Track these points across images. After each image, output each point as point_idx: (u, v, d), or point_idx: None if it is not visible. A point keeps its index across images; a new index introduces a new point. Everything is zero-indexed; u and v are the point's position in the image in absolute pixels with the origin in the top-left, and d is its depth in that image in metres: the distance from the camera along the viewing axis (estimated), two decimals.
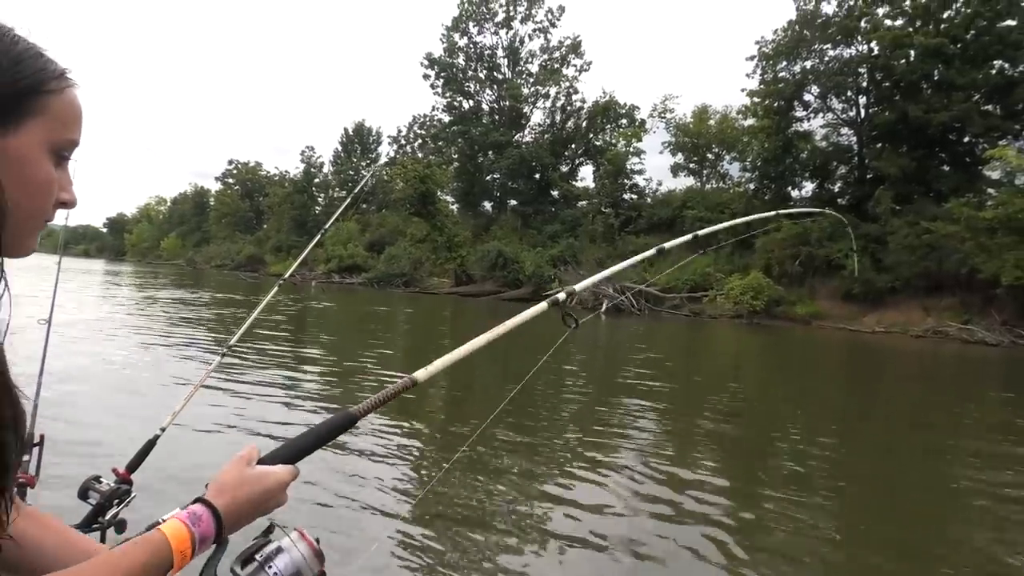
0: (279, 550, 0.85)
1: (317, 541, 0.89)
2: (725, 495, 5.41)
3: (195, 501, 0.81)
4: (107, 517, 1.73)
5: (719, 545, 4.30)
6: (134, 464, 1.90)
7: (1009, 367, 19.28)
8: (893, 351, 22.20)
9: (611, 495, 5.18)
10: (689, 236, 2.04)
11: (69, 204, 0.74)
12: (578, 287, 1.46)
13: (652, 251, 1.91)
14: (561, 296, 1.39)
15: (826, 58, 37.18)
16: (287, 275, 2.82)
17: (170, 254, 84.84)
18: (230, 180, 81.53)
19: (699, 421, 8.36)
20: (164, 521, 0.78)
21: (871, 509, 5.52)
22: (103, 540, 1.92)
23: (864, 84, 36.64)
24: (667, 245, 1.92)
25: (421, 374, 1.04)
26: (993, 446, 7.99)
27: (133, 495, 1.65)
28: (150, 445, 2.02)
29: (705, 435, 7.68)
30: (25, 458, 1.72)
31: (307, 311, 22.59)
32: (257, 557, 0.85)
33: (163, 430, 2.08)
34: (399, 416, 7.15)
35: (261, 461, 0.88)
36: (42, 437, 1.86)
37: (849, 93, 37.30)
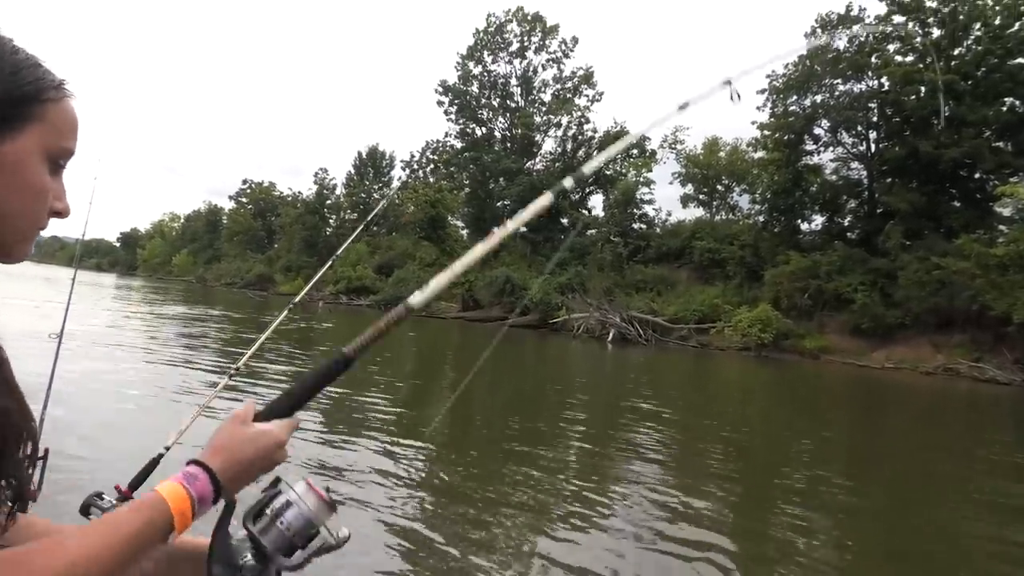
0: (288, 504, 0.85)
1: (327, 491, 0.88)
2: (727, 535, 5.32)
3: (190, 463, 0.79)
4: None
5: None
6: (136, 482, 1.89)
7: (1021, 408, 19.00)
8: (903, 388, 21.95)
9: (610, 530, 5.11)
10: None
11: (63, 214, 0.74)
12: (586, 169, 1.29)
13: (676, 108, 1.37)
14: (568, 183, 1.23)
15: (836, 92, 37.42)
16: (298, 298, 2.82)
17: (181, 270, 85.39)
18: (243, 199, 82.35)
19: (702, 460, 8.27)
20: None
21: (875, 556, 5.41)
22: None
23: (874, 119, 36.80)
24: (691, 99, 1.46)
25: (416, 299, 0.96)
26: (1006, 496, 7.76)
27: None
28: (153, 464, 2.01)
29: (708, 474, 7.59)
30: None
31: (313, 331, 22.62)
32: (267, 512, 0.84)
33: (167, 449, 2.08)
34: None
35: (258, 416, 0.86)
36: (46, 451, 1.86)
37: (859, 128, 37.46)
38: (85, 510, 1.69)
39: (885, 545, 5.50)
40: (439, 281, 0.97)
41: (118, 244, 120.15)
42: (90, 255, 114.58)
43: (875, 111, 36.51)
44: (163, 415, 7.23)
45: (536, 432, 8.66)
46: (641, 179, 48.11)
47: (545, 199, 1.22)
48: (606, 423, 10.33)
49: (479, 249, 1.05)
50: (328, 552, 0.86)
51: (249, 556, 0.83)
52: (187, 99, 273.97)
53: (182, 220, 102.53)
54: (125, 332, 16.43)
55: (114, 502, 1.65)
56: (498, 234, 1.09)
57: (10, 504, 0.72)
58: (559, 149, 55.74)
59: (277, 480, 0.87)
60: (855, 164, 38.66)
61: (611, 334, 33.42)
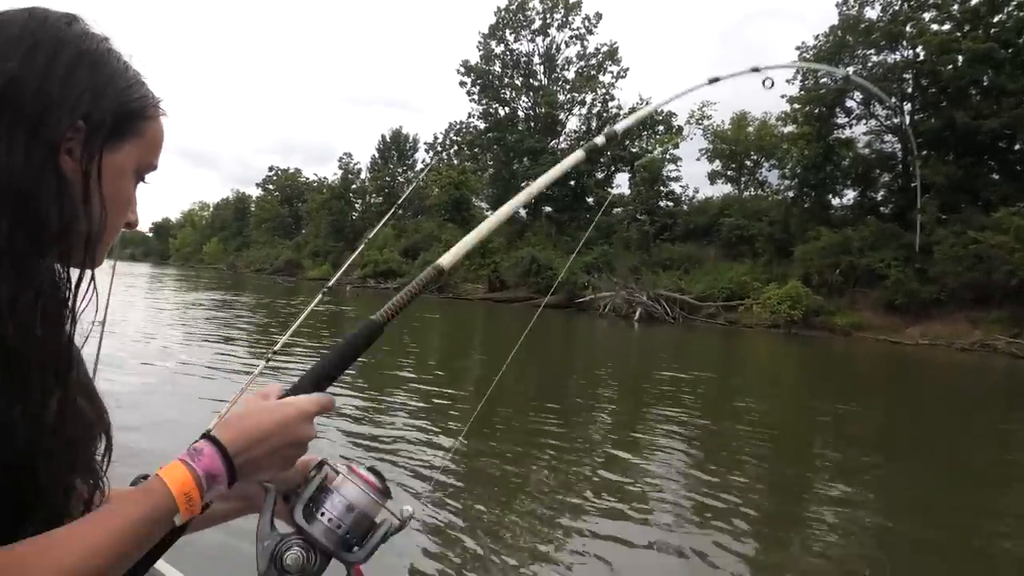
0: (327, 490, 0.78)
1: (374, 472, 0.80)
2: (756, 527, 5.31)
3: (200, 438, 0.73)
4: None
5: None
6: None
7: None
8: (939, 365, 21.54)
9: (638, 518, 5.13)
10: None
11: (133, 224, 0.78)
12: (619, 127, 1.28)
13: (706, 81, 1.42)
14: (600, 140, 1.23)
15: (869, 64, 36.38)
16: (332, 282, 2.87)
17: (212, 258, 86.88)
18: (270, 186, 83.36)
19: (732, 439, 8.23)
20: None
21: (903, 554, 5.36)
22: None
23: (909, 90, 35.75)
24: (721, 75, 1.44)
25: (446, 260, 0.92)
26: None
27: None
28: None
29: (738, 453, 7.56)
30: None
31: (342, 315, 22.90)
32: (307, 500, 0.78)
33: (209, 431, 2.14)
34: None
35: (285, 396, 0.79)
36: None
37: (894, 99, 36.45)
38: None
39: (921, 525, 5.44)
40: (467, 241, 0.94)
41: (151, 234, 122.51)
42: (124, 246, 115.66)
43: (910, 82, 35.46)
44: (204, 400, 7.41)
45: (564, 411, 8.70)
46: (667, 156, 47.54)
47: (577, 154, 1.20)
48: (635, 401, 10.33)
49: (506, 208, 1.03)
50: (393, 535, 0.80)
51: (297, 550, 0.74)
52: (211, 88, 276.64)
53: (211, 209, 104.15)
54: (163, 318, 16.84)
55: None
56: (527, 191, 1.10)
57: (86, 500, 0.72)
58: (583, 127, 55.21)
59: (321, 463, 0.81)
60: (889, 137, 37.67)
61: (638, 313, 33.25)
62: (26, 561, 0.56)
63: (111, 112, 0.69)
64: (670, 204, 46.73)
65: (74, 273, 0.69)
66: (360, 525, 0.78)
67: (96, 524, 0.62)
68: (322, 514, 0.77)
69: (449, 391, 9.92)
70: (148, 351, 10.74)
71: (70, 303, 0.68)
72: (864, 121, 38.01)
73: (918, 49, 34.01)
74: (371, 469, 0.81)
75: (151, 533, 0.64)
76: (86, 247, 0.68)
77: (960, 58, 31.79)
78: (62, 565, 0.57)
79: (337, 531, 0.76)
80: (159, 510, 0.64)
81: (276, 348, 2.49)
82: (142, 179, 0.76)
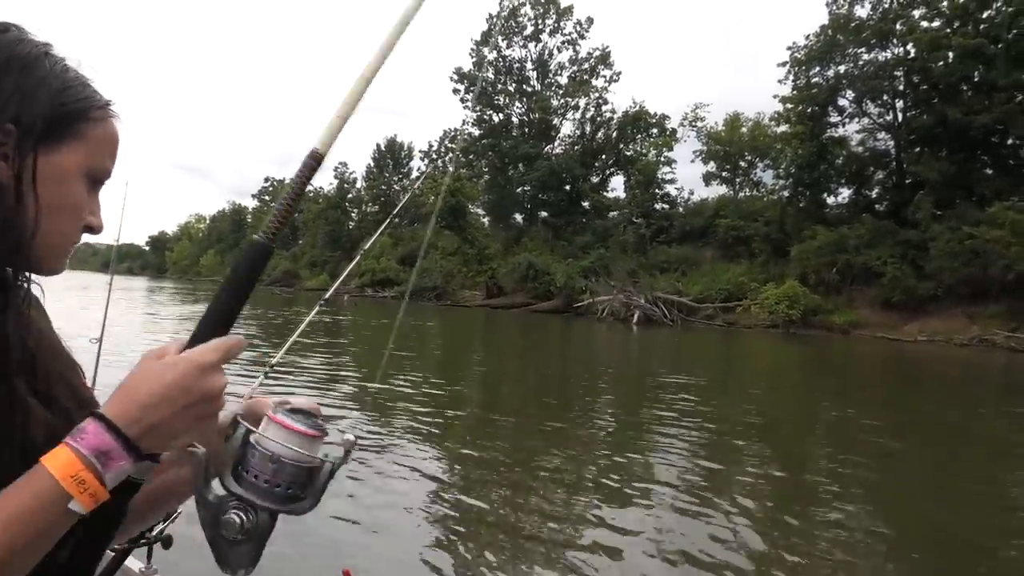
0: (250, 446, 0.71)
1: (298, 413, 0.73)
2: (758, 520, 5.30)
3: None
4: (153, 533, 1.77)
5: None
6: None
7: None
8: (937, 361, 21.56)
9: (640, 516, 5.11)
10: None
11: (96, 229, 0.76)
12: None
13: None
14: None
15: (860, 62, 36.59)
16: (328, 294, 2.86)
17: (209, 271, 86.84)
18: (266, 197, 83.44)
19: (732, 438, 8.21)
20: None
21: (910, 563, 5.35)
22: (150, 556, 1.96)
23: (901, 87, 35.93)
24: None
25: (321, 142, 0.75)
26: None
27: (179, 511, 1.68)
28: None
29: (739, 453, 7.55)
30: None
31: (339, 325, 22.87)
32: (233, 462, 0.71)
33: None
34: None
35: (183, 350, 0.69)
36: None
37: (885, 97, 36.61)
38: None
39: (926, 520, 5.43)
40: (342, 113, 0.78)
41: (147, 248, 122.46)
42: (121, 259, 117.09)
43: (901, 79, 35.63)
44: None
45: (564, 413, 8.68)
46: (662, 159, 47.68)
47: None
48: (634, 402, 10.31)
49: (374, 59, 0.80)
50: (339, 469, 0.74)
51: (233, 514, 0.69)
52: (203, 100, 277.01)
53: (208, 221, 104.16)
54: (161, 333, 16.78)
55: None
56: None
57: None
58: (578, 132, 55.43)
59: (235, 422, 0.74)
60: (882, 134, 37.83)
61: (636, 316, 33.28)
62: None
63: (42, 115, 0.68)
64: (666, 207, 46.86)
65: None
66: (298, 475, 0.71)
67: None
68: (249, 473, 0.70)
69: (442, 400, 9.88)
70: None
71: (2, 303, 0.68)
72: (857, 119, 38.23)
73: (908, 46, 34.22)
74: (294, 410, 0.73)
75: (41, 523, 0.59)
76: (15, 249, 0.67)
77: (951, 54, 31.97)
78: None
79: (275, 489, 0.70)
80: (42, 498, 0.58)
81: (275, 360, 2.48)
82: (98, 183, 0.75)
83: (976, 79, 31.84)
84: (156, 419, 0.63)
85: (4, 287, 0.69)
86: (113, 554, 1.52)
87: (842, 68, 37.30)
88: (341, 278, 3.10)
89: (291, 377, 10.07)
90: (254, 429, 0.72)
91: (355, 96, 0.80)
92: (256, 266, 0.72)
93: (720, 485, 5.91)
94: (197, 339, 0.69)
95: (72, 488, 0.59)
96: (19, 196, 0.66)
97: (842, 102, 37.97)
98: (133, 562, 1.93)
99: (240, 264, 0.72)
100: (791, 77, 38.82)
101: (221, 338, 0.69)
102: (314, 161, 0.74)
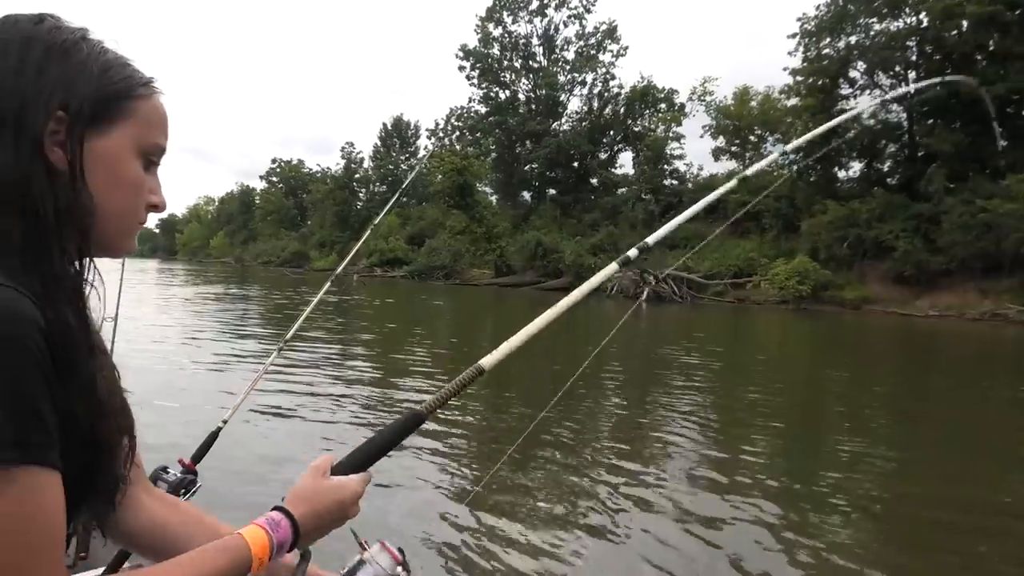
0: (361, 563, 0.88)
1: (400, 552, 0.91)
2: (773, 492, 5.34)
3: (274, 509, 0.83)
4: None
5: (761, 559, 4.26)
6: (198, 455, 2.00)
7: None
8: (949, 336, 21.44)
9: (653, 503, 5.17)
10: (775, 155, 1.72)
11: (159, 207, 0.79)
12: (651, 239, 1.38)
13: (732, 183, 1.55)
14: (632, 253, 1.34)
15: (872, 32, 35.89)
16: (339, 269, 2.89)
17: (219, 252, 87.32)
18: (274, 178, 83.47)
19: (743, 416, 8.23)
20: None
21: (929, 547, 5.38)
22: None
23: (913, 58, 35.29)
24: (750, 172, 1.64)
25: (487, 361, 0.98)
26: None
27: (199, 485, 1.73)
28: (213, 437, 2.12)
29: (751, 430, 7.58)
30: None
31: (349, 304, 22.99)
32: (347, 570, 0.88)
33: (225, 423, 2.18)
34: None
35: (334, 470, 0.89)
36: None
37: (897, 68, 35.98)
38: (152, 482, 1.81)
39: (934, 504, 5.46)
40: (509, 344, 1.00)
41: (157, 230, 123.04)
42: None
43: (914, 49, 34.98)
44: (218, 390, 7.47)
45: (574, 391, 8.72)
46: (670, 134, 47.22)
47: (611, 267, 1.33)
48: (644, 380, 10.35)
49: (549, 314, 1.05)
50: None
51: None
52: (210, 82, 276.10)
53: (216, 203, 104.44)
54: (174, 312, 16.95)
55: (178, 475, 1.75)
56: (565, 301, 1.14)
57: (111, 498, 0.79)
58: (585, 108, 54.92)
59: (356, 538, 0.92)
60: (894, 106, 37.24)
61: (645, 293, 33.22)
62: None
63: (88, 98, 0.69)
64: (675, 182, 46.54)
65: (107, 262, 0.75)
66: None
67: (189, 566, 0.71)
68: None
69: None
70: (161, 342, 10.82)
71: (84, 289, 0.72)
72: (868, 91, 37.61)
73: (921, 16, 33.50)
74: (399, 549, 0.92)
75: None
76: (83, 234, 0.69)
77: (964, 23, 31.29)
78: None
79: None
80: (239, 566, 0.74)
81: (288, 338, 2.51)
82: (151, 161, 0.77)
83: (991, 48, 31.18)
84: (320, 528, 0.84)
85: (81, 271, 0.72)
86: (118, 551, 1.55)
87: (853, 39, 36.63)
88: (350, 255, 3.12)
89: (303, 353, 10.17)
90: (366, 547, 0.90)
91: (529, 333, 1.00)
92: (407, 430, 0.93)
93: (732, 465, 5.96)
94: (348, 466, 0.90)
95: (255, 563, 0.75)
96: (78, 181, 0.68)
97: (853, 74, 37.40)
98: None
99: (396, 424, 0.93)
100: (801, 49, 38.20)
101: (366, 474, 0.90)
102: (476, 372, 0.97)
